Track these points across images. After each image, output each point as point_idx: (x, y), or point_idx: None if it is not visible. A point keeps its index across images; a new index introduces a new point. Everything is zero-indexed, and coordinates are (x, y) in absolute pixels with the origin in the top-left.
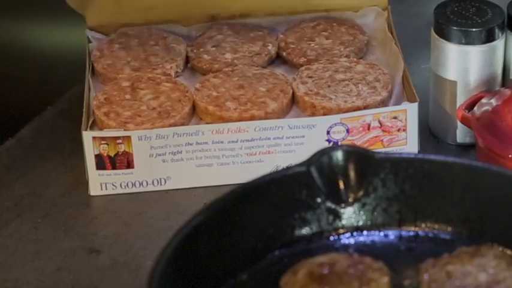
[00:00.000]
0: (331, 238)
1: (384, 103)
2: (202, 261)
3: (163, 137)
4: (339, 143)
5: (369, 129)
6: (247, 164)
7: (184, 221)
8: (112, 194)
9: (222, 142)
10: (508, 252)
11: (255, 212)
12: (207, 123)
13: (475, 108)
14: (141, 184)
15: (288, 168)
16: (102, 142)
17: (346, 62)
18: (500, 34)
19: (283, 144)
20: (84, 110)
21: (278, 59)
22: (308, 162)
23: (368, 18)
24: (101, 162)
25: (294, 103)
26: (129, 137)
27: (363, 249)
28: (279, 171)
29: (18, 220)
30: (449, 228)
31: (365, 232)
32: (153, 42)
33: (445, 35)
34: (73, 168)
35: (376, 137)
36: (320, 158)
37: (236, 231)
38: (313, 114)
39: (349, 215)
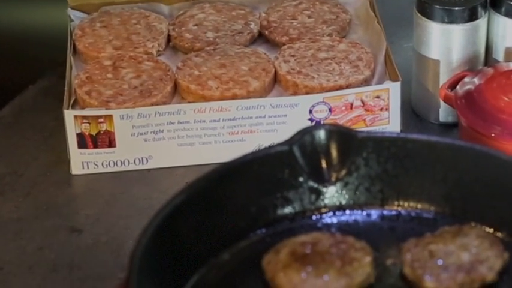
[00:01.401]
0: (314, 217)
1: (366, 82)
2: (184, 241)
3: (145, 116)
4: (322, 122)
5: (351, 108)
6: (229, 143)
7: (166, 200)
8: (94, 173)
9: (204, 121)
10: (491, 231)
11: (237, 191)
12: (189, 102)
13: (458, 87)
14: (122, 163)
15: (270, 147)
16: (84, 121)
17: (328, 40)
18: (483, 13)
19: (266, 123)
20: (65, 88)
21: (260, 38)
22: (290, 142)
23: None
24: (83, 141)
25: (276, 82)
26: (110, 116)
27: (345, 229)
28: (261, 151)
29: (0, 199)
30: (432, 208)
31: (347, 211)
32: (134, 21)
33: (427, 14)
34: (54, 147)
35: (358, 116)
36: (302, 137)
37: (218, 211)
38: (295, 93)
39: (332, 194)
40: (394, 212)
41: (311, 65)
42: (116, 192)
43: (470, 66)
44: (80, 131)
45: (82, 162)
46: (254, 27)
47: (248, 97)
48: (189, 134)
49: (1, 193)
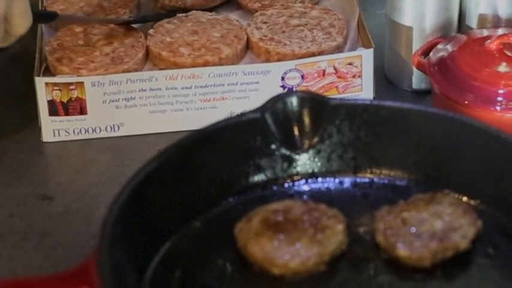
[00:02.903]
0: (286, 185)
1: (339, 49)
2: (156, 208)
3: (117, 83)
4: (294, 89)
5: (324, 75)
6: (201, 111)
7: (137, 167)
8: (65, 141)
9: (175, 88)
10: (464, 199)
11: (209, 158)
12: (161, 69)
13: (431, 54)
14: (94, 130)
15: (242, 114)
16: (55, 88)
17: (301, 7)
18: None
19: (238, 90)
20: (36, 55)
21: (232, 4)
22: (262, 109)
23: None
24: (54, 108)
25: (248, 49)
26: (82, 83)
27: (317, 196)
28: (233, 118)
29: None
30: (405, 175)
31: (320, 179)
32: None
33: None
34: (26, 115)
35: (331, 83)
36: (275, 104)
37: (190, 178)
38: (267, 60)
39: (304, 161)
40: (366, 180)
41: (283, 31)
42: (88, 160)
43: (444, 33)
44: (51, 98)
45: (53, 129)
46: None
47: (220, 64)
48: (161, 101)
49: None
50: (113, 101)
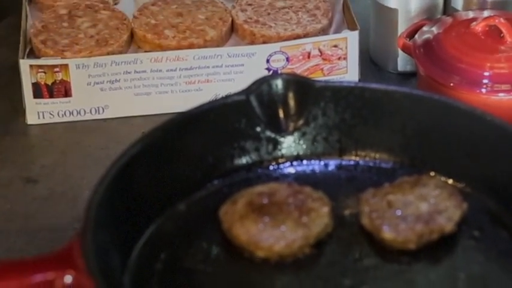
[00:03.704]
0: (271, 167)
1: (324, 31)
2: (140, 191)
3: (101, 65)
4: (279, 72)
5: (309, 57)
6: (186, 93)
7: (122, 150)
8: (49, 123)
9: (160, 70)
10: (450, 181)
11: (194, 141)
12: (146, 51)
13: (416, 36)
14: (78, 113)
15: (227, 96)
16: (40, 70)
17: None
18: None
19: (223, 72)
20: (21, 38)
21: None
22: (247, 91)
23: None
24: (38, 91)
25: (233, 31)
26: (66, 65)
27: (302, 179)
28: (218, 100)
29: None
30: (390, 158)
31: (305, 161)
32: None
33: None
34: (10, 97)
35: (316, 65)
36: (260, 86)
37: (174, 161)
38: (252, 43)
39: (289, 144)
40: (352, 162)
41: (268, 14)
42: (72, 142)
43: (429, 15)
44: (35, 81)
45: (38, 112)
46: None
47: (205, 46)
48: (146, 83)
49: None
50: (97, 83)
